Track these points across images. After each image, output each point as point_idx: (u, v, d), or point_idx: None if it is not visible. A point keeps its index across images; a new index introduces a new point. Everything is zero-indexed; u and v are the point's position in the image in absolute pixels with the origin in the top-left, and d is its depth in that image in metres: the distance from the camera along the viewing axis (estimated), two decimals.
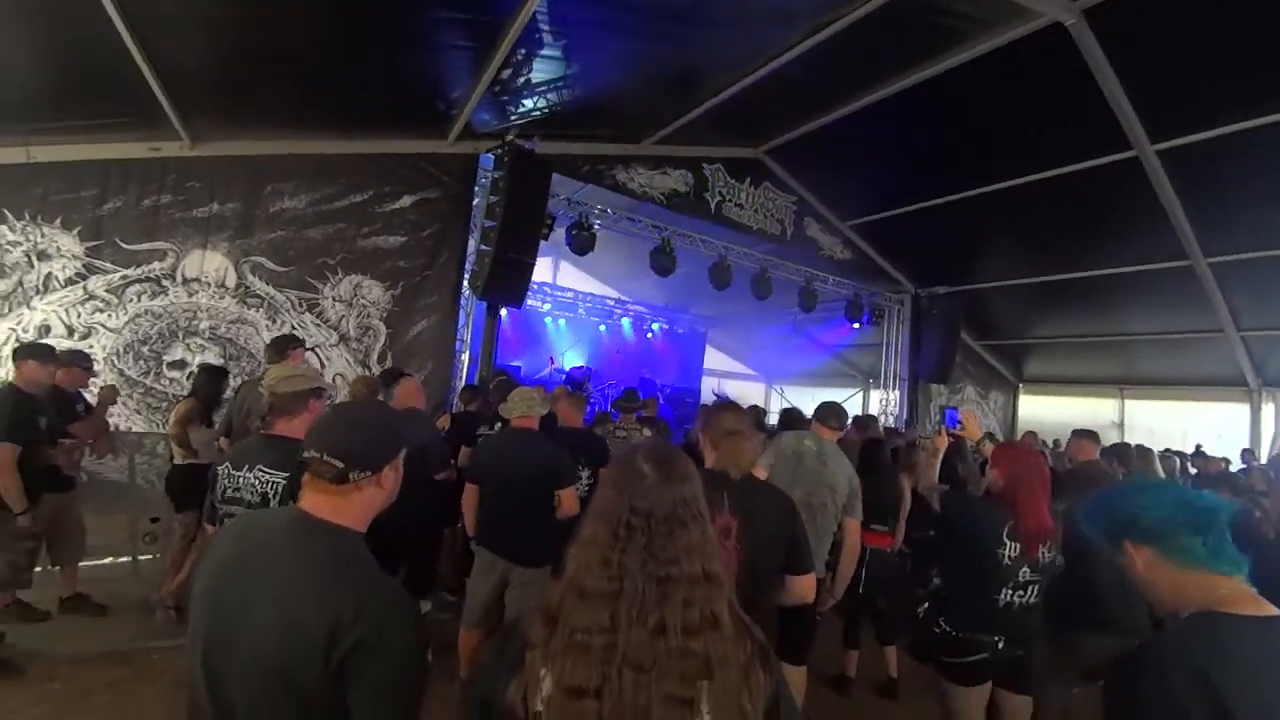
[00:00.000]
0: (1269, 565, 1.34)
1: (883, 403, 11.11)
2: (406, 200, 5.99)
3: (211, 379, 4.29)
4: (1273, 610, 1.16)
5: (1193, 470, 7.02)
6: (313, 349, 5.56)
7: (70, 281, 4.81)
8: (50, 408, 3.57)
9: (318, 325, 5.67)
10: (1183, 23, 4.73)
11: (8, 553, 3.32)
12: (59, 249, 4.78)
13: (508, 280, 5.95)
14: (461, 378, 6.49)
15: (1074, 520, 3.09)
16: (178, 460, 4.04)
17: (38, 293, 4.72)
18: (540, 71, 5.28)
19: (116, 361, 4.96)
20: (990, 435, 8.31)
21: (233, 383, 4.58)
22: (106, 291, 4.93)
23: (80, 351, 4.25)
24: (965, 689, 2.42)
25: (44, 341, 4.19)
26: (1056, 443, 9.01)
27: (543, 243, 6.34)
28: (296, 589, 1.14)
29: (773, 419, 8.26)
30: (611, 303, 12.54)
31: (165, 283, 5.11)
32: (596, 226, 7.22)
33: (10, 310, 4.65)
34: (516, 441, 3.41)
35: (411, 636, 1.15)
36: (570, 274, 11.90)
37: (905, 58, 5.75)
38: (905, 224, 8.74)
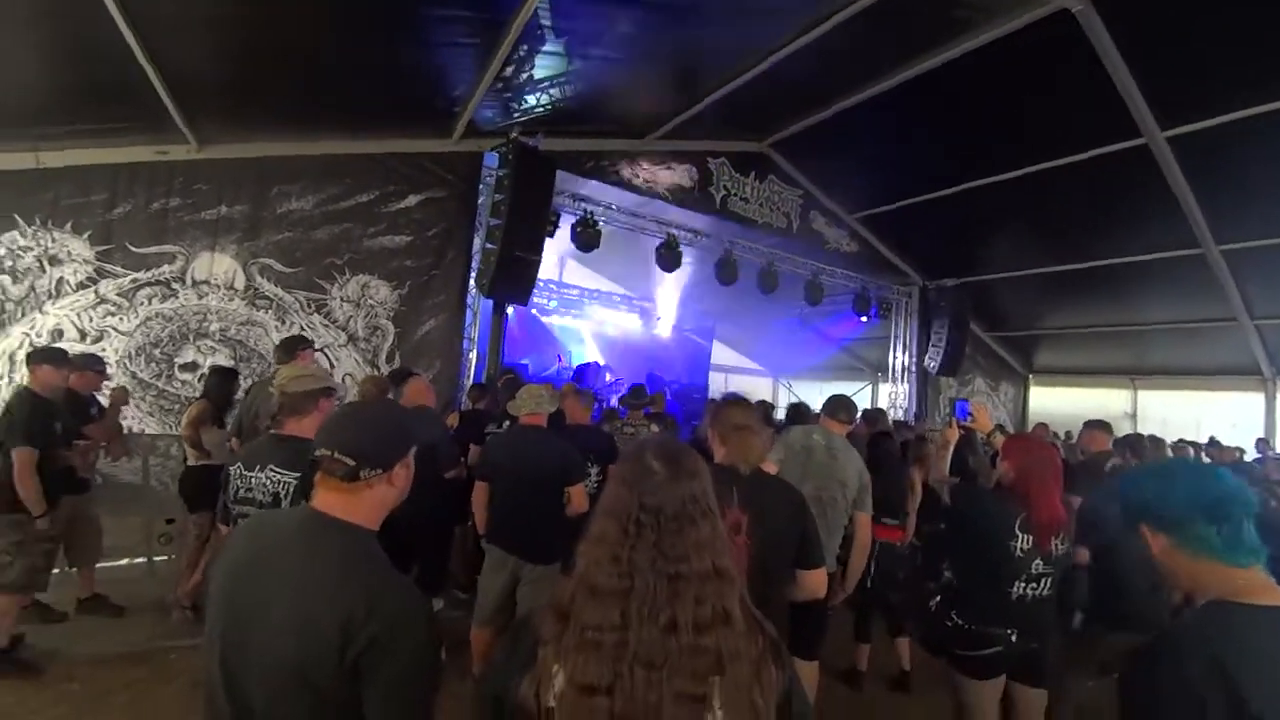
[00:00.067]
0: None
1: (891, 396, 11.07)
2: (412, 200, 6.00)
3: (223, 380, 4.32)
4: None
5: (1206, 461, 6.94)
6: (321, 349, 5.59)
7: (81, 286, 4.86)
8: (65, 411, 3.61)
9: (326, 326, 5.70)
10: (1190, 7, 4.67)
11: (26, 555, 3.35)
12: (70, 253, 4.82)
13: (514, 278, 5.96)
14: (469, 376, 6.51)
15: (1100, 515, 3.08)
16: (191, 461, 4.08)
17: (50, 297, 4.77)
18: (543, 68, 5.27)
19: (129, 364, 5.00)
20: (1001, 427, 8.27)
21: (243, 384, 4.61)
22: (117, 295, 4.97)
23: (94, 355, 4.29)
24: (979, 682, 2.42)
25: (58, 346, 4.23)
26: (1069, 434, 8.95)
27: (549, 240, 6.34)
28: (310, 587, 1.15)
29: (780, 414, 8.24)
30: (617, 299, 12.53)
31: (175, 285, 5.15)
32: (601, 223, 7.22)
33: (23, 315, 4.70)
34: (525, 439, 3.42)
35: (424, 634, 1.15)
36: (576, 271, 11.90)
37: (910, 48, 5.71)
38: (912, 215, 8.67)
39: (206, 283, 5.26)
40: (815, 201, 9.02)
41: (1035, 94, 6.02)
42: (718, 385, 13.73)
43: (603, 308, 12.29)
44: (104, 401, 4.17)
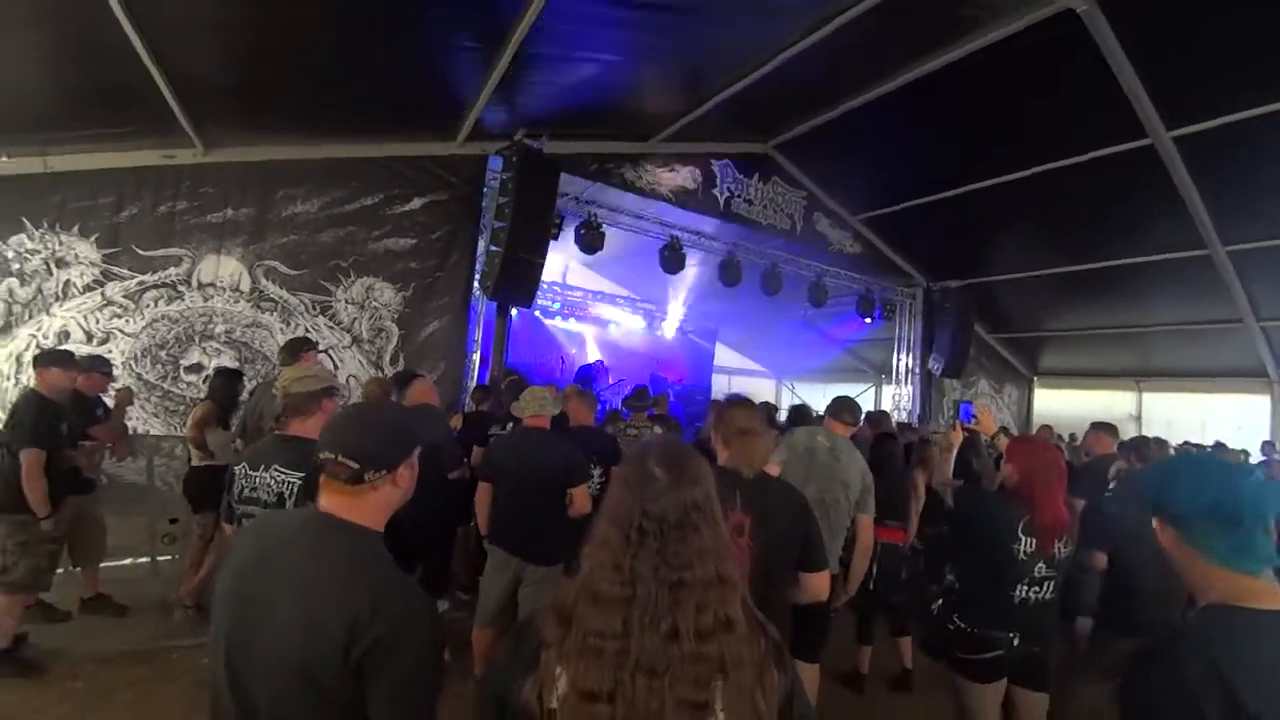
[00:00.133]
0: None
1: (895, 398, 11.03)
2: (416, 202, 6.02)
3: (227, 382, 4.35)
4: None
5: None
6: (326, 351, 5.61)
7: (88, 288, 4.89)
8: (71, 413, 3.64)
9: (331, 328, 5.72)
10: (1196, 6, 4.65)
11: (31, 555, 3.38)
12: (77, 256, 4.85)
13: (518, 280, 5.97)
14: (473, 378, 6.53)
15: (1120, 522, 3.07)
16: (195, 462, 4.11)
17: (57, 299, 4.80)
18: (547, 71, 5.28)
19: (134, 366, 5.03)
20: (1005, 429, 8.23)
21: (248, 385, 4.63)
22: (124, 297, 5.00)
23: (100, 357, 4.32)
24: (981, 686, 2.41)
25: (65, 348, 4.26)
26: (1073, 436, 8.91)
27: (552, 242, 6.35)
28: (316, 588, 1.16)
29: (783, 415, 8.23)
30: (621, 301, 12.54)
31: (181, 288, 5.18)
32: (605, 226, 7.22)
33: (30, 317, 4.73)
34: (529, 440, 3.43)
35: (429, 635, 1.16)
36: (580, 273, 11.91)
37: (914, 49, 5.69)
38: (916, 217, 8.64)
39: (212, 285, 5.28)
40: (819, 203, 9.01)
41: (1040, 94, 6.00)
42: (720, 387, 13.72)
43: (606, 310, 12.28)
44: (109, 403, 4.20)
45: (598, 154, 6.95)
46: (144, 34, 3.80)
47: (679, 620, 0.97)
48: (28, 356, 4.58)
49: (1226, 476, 1.22)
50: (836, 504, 3.06)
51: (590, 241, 7.12)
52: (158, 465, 4.91)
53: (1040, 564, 2.34)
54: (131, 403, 4.37)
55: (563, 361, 11.36)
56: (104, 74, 4.24)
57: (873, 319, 10.16)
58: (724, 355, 14.83)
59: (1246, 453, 7.39)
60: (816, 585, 2.07)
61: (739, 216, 8.12)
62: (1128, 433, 8.78)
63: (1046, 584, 2.37)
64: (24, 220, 4.69)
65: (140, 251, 5.03)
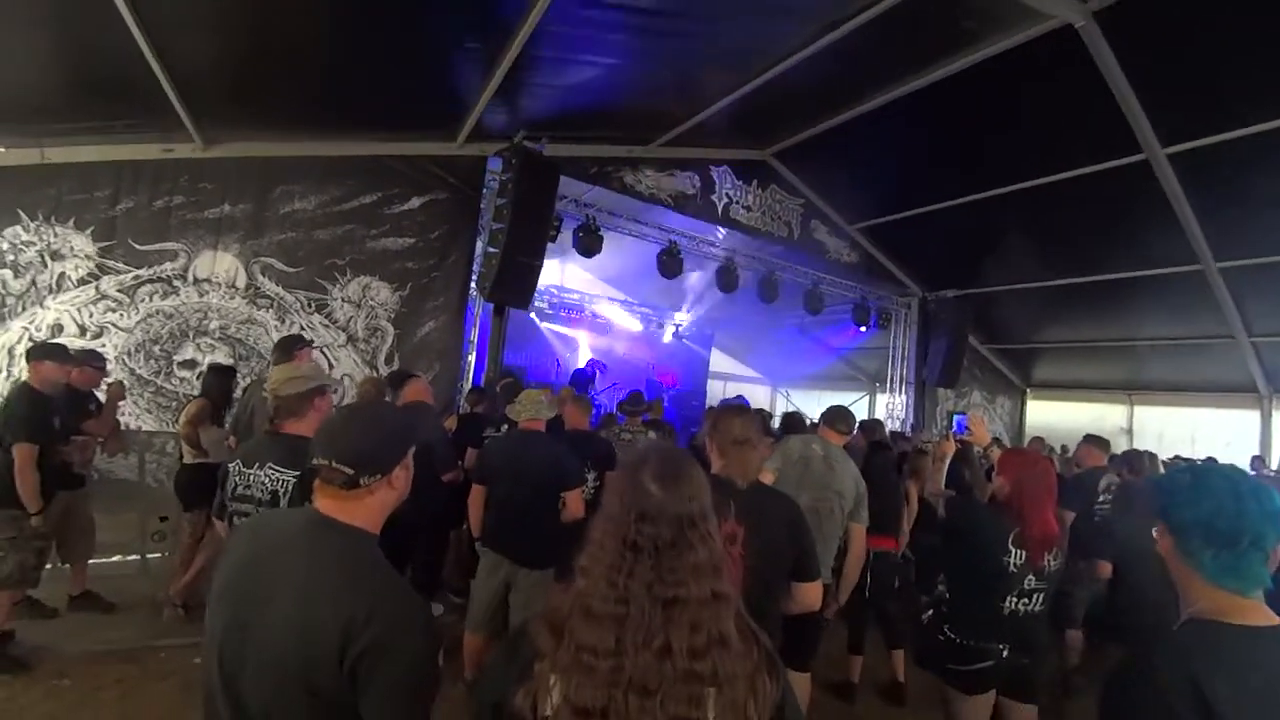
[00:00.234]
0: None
1: (889, 407, 11.07)
2: (415, 202, 6.02)
3: (221, 378, 4.33)
4: (1270, 619, 1.15)
5: None
6: (321, 349, 5.60)
7: (83, 281, 4.87)
8: (64, 407, 3.61)
9: (326, 326, 5.71)
10: (1193, 26, 4.70)
11: (19, 551, 3.35)
12: (72, 249, 4.83)
13: (515, 282, 5.97)
14: (468, 379, 6.52)
15: (1130, 533, 3.10)
16: (187, 459, 4.08)
17: (51, 292, 4.78)
18: (548, 74, 5.30)
19: (128, 360, 5.00)
20: (998, 440, 8.27)
21: (242, 382, 4.62)
22: (118, 291, 4.98)
23: (94, 351, 4.29)
24: (969, 697, 2.42)
25: (58, 341, 4.23)
26: (1065, 448, 8.95)
27: (550, 245, 6.35)
28: (311, 590, 1.15)
29: (776, 423, 8.24)
30: (618, 305, 12.53)
31: (176, 283, 5.16)
32: (603, 229, 7.23)
33: (24, 309, 4.71)
34: (524, 443, 3.42)
35: (423, 639, 1.16)
36: (577, 276, 11.90)
37: (914, 60, 5.73)
38: (913, 227, 8.70)
39: (208, 281, 5.27)
40: (817, 211, 9.05)
41: (1037, 108, 6.05)
42: (716, 392, 13.73)
43: (602, 313, 12.28)
44: (102, 397, 4.17)
45: (597, 157, 6.97)
46: (146, 28, 3.80)
47: (672, 638, 0.97)
48: (20, 349, 4.56)
49: (1233, 494, 1.18)
50: (830, 513, 3.07)
51: (588, 245, 7.13)
52: (149, 462, 4.88)
53: (1030, 576, 2.35)
54: (124, 397, 4.34)
55: (558, 364, 11.35)
56: (104, 67, 4.24)
57: (868, 327, 10.21)
58: (719, 360, 14.84)
59: (1235, 467, 7.42)
60: (809, 595, 2.07)
61: (737, 223, 8.15)
62: (1119, 445, 8.85)
63: (1036, 596, 2.38)
64: (19, 212, 4.67)
65: (136, 245, 5.01)
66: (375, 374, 5.61)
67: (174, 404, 5.07)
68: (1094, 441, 4.68)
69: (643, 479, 1.08)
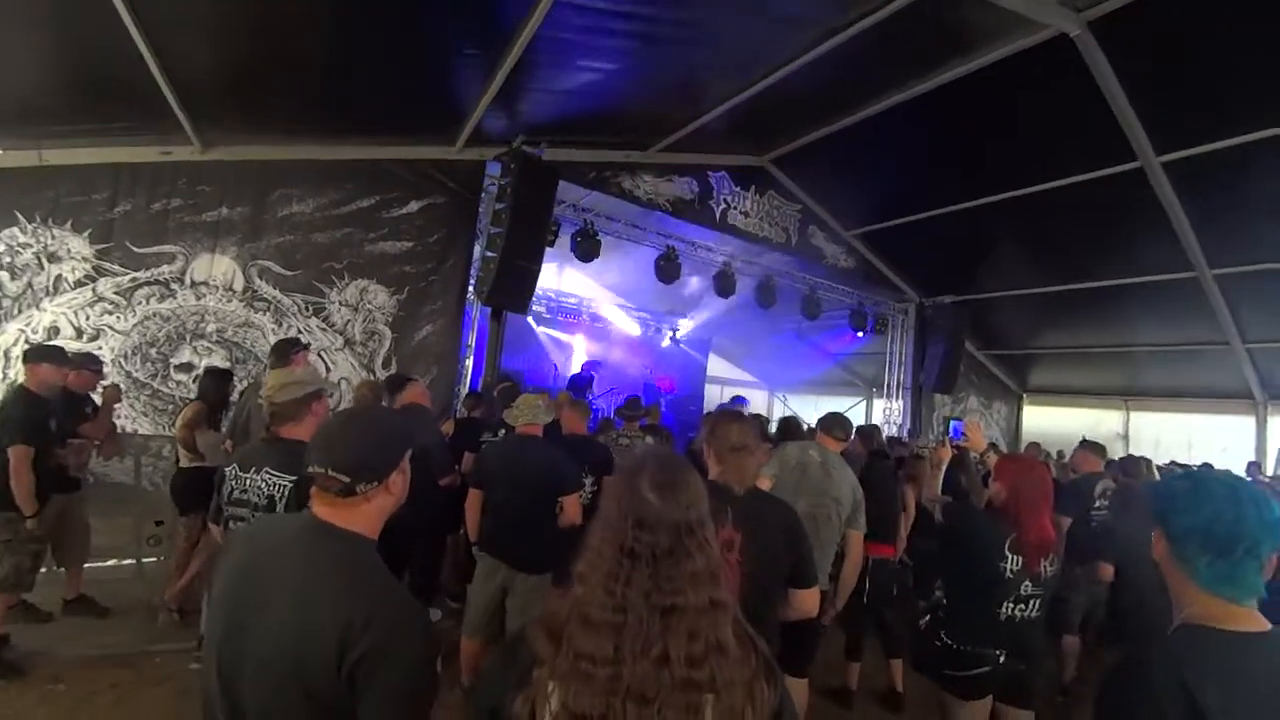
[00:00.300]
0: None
1: (886, 412, 11.10)
2: (413, 206, 6.03)
3: (217, 382, 4.31)
4: (1260, 625, 1.16)
5: None
6: (318, 353, 5.59)
7: (80, 284, 4.86)
8: (60, 409, 3.60)
9: (323, 329, 5.70)
10: (1187, 35, 4.74)
11: (14, 554, 3.34)
12: (69, 251, 4.82)
13: (513, 286, 5.98)
14: (465, 383, 6.51)
15: (1131, 535, 3.11)
16: (183, 463, 4.06)
17: (47, 294, 4.77)
18: (548, 79, 5.31)
19: (124, 363, 4.99)
20: (994, 446, 8.27)
21: (238, 385, 4.61)
22: (115, 294, 4.97)
23: (91, 354, 4.28)
24: (967, 703, 2.42)
25: (55, 344, 4.22)
26: (1061, 454, 8.97)
27: (548, 249, 6.36)
28: (310, 595, 1.15)
29: (773, 427, 8.25)
30: (615, 310, 12.54)
31: (174, 286, 5.16)
32: (601, 234, 7.25)
33: (20, 311, 4.70)
34: (521, 448, 3.42)
35: (421, 645, 1.16)
36: (575, 280, 11.92)
37: (910, 68, 5.77)
38: (910, 233, 8.74)
39: (205, 284, 5.26)
40: (814, 217, 9.08)
41: (1033, 116, 6.10)
42: (713, 397, 13.74)
43: (600, 318, 12.29)
44: (98, 400, 4.16)
45: (596, 162, 6.99)
46: (145, 31, 3.81)
47: (670, 646, 0.97)
48: (17, 351, 4.54)
49: (1233, 501, 1.18)
50: (828, 519, 3.07)
51: (586, 249, 7.15)
52: (145, 465, 4.87)
53: (1026, 582, 2.36)
54: (119, 400, 4.32)
55: (555, 369, 11.35)
56: (104, 69, 4.24)
57: (865, 333, 10.25)
58: (717, 365, 14.86)
59: (1233, 474, 7.45)
60: (807, 602, 2.07)
61: (734, 228, 8.17)
62: (1115, 451, 8.87)
63: (1032, 602, 2.38)
64: (17, 214, 4.66)
65: (133, 248, 5.01)
66: (372, 377, 5.60)
67: (170, 407, 5.05)
68: (1089, 448, 4.70)
69: (640, 486, 1.07)
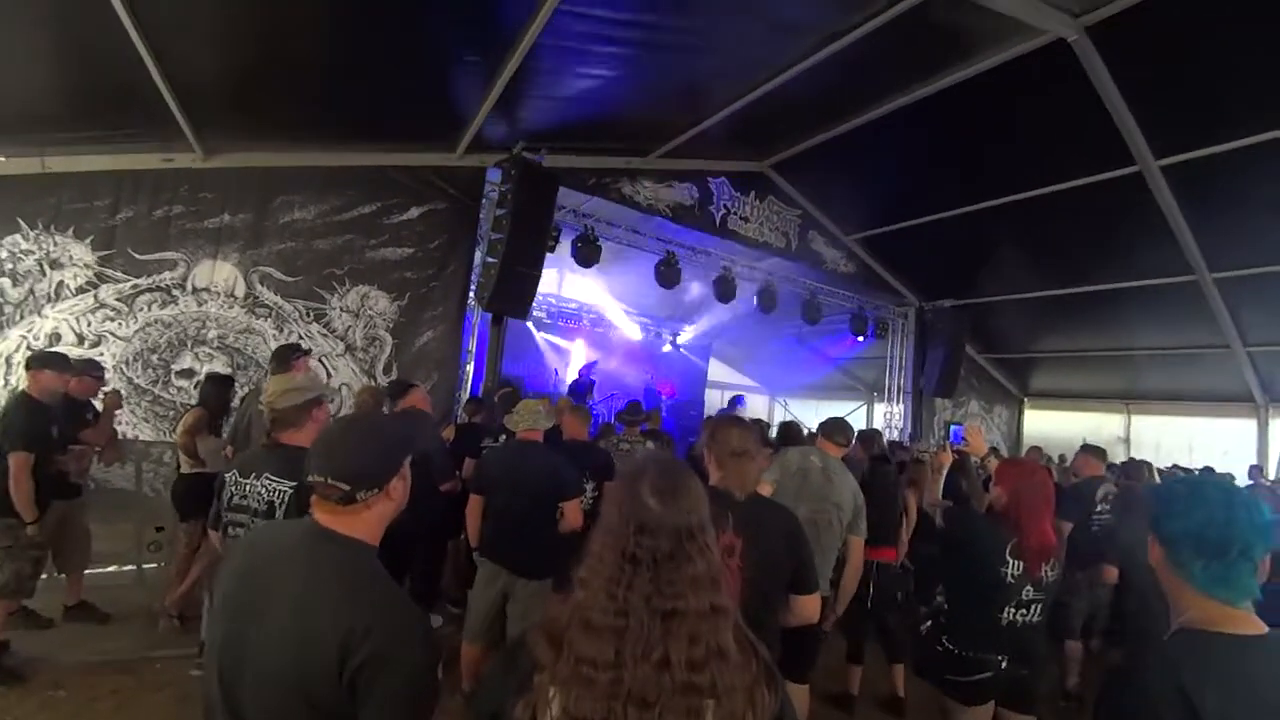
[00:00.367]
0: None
1: (887, 416, 11.09)
2: (414, 212, 6.04)
3: (218, 388, 4.32)
4: (1258, 628, 1.17)
5: None
6: (319, 359, 5.60)
7: (81, 290, 4.87)
8: (61, 416, 3.61)
9: (324, 335, 5.71)
10: (1185, 39, 4.76)
11: (15, 560, 3.34)
12: (71, 258, 4.84)
13: (513, 292, 5.99)
14: (466, 389, 6.52)
15: (1134, 537, 3.11)
16: (184, 469, 4.07)
17: (49, 301, 4.78)
18: (548, 86, 5.34)
19: (125, 370, 5.00)
20: (995, 450, 8.27)
21: (239, 391, 4.61)
22: (117, 300, 4.98)
23: (93, 361, 4.30)
24: (968, 708, 2.41)
25: (58, 350, 4.23)
26: (1062, 458, 8.96)
27: (548, 255, 6.38)
28: (311, 602, 1.16)
29: (774, 432, 8.24)
30: (616, 315, 12.55)
31: (175, 292, 5.17)
32: (602, 239, 7.27)
33: (22, 318, 4.71)
34: (522, 454, 3.42)
35: (422, 652, 1.16)
36: (575, 286, 11.93)
37: (910, 73, 5.79)
38: (909, 238, 8.75)
39: (206, 290, 5.27)
40: (814, 222, 9.09)
41: (1032, 121, 6.12)
42: (714, 402, 13.73)
43: (600, 323, 12.30)
44: (99, 406, 4.17)
45: (596, 168, 7.00)
46: (147, 38, 3.83)
47: (671, 650, 0.97)
48: (18, 357, 4.56)
49: (1225, 504, 1.20)
50: (829, 525, 3.07)
51: (586, 255, 7.16)
52: (146, 471, 4.87)
53: (1028, 587, 2.36)
54: (120, 406, 4.33)
55: (556, 374, 11.35)
56: (106, 76, 4.26)
57: (865, 337, 10.25)
58: (718, 370, 14.86)
59: (1232, 476, 7.44)
60: (808, 608, 2.07)
61: (734, 233, 8.18)
62: (1117, 454, 8.87)
63: (1034, 606, 2.38)
64: (19, 220, 4.68)
65: (135, 255, 5.02)
66: (373, 383, 5.61)
67: (171, 413, 5.06)
68: (1090, 451, 4.70)
69: (641, 491, 1.08)
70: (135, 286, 5.04)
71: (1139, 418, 11.00)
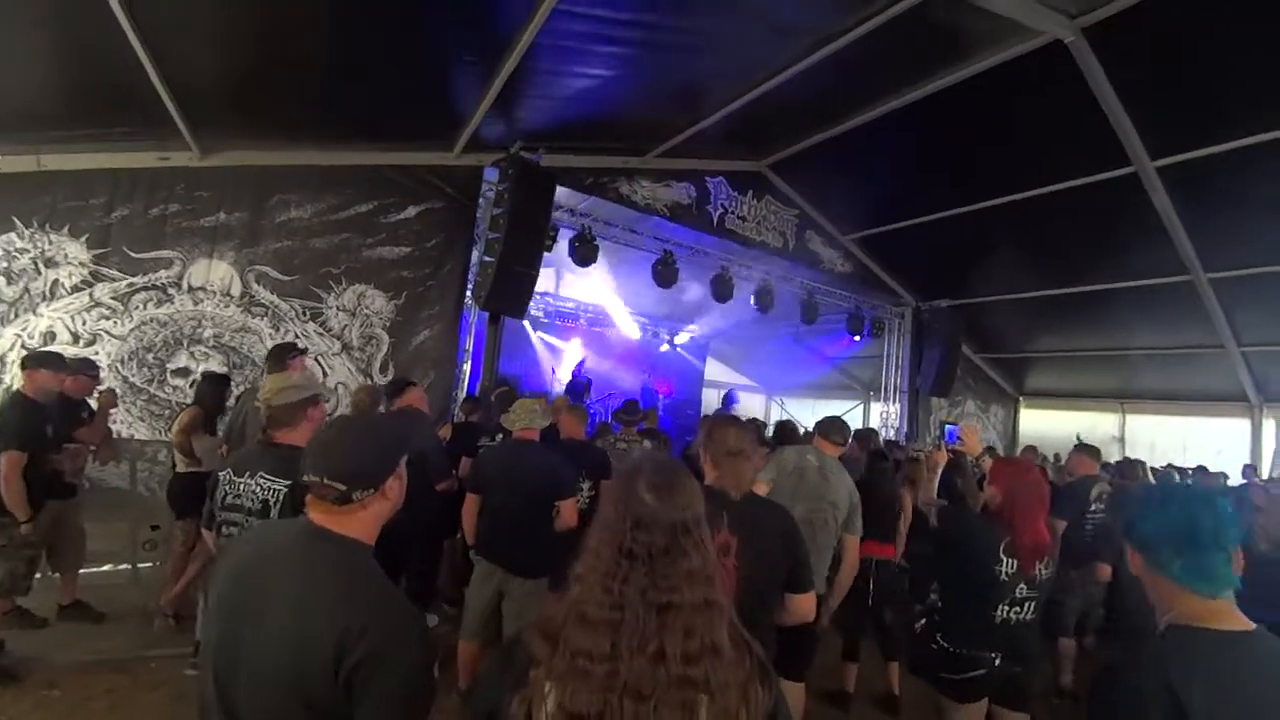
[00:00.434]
0: (1259, 579, 1.40)
1: (883, 415, 11.11)
2: (411, 211, 6.04)
3: (214, 387, 4.32)
4: (1244, 624, 1.20)
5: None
6: (315, 358, 5.59)
7: (76, 289, 4.85)
8: (56, 415, 3.60)
9: (321, 334, 5.70)
10: (1181, 41, 4.78)
11: (9, 559, 3.34)
12: (66, 256, 4.82)
13: (510, 291, 5.98)
14: (463, 388, 6.51)
15: (1114, 532, 3.12)
16: (180, 468, 4.07)
17: (44, 299, 4.76)
18: (546, 85, 5.33)
19: (121, 368, 4.98)
20: (991, 449, 8.30)
21: (235, 390, 4.60)
22: (112, 299, 4.97)
23: (88, 360, 4.29)
24: (963, 705, 2.43)
25: (53, 350, 4.22)
26: (1057, 457, 9.00)
27: (545, 254, 6.37)
28: (307, 601, 1.16)
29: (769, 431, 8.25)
30: (613, 314, 12.55)
31: (171, 291, 5.15)
32: (599, 239, 7.27)
33: (16, 316, 4.69)
34: (518, 453, 3.43)
35: (418, 651, 1.16)
36: (572, 285, 11.93)
37: (907, 74, 5.81)
38: (906, 238, 8.78)
39: (202, 289, 5.26)
40: (811, 221, 9.11)
41: (1028, 121, 6.13)
42: (711, 401, 13.75)
43: (598, 322, 12.30)
44: (94, 405, 4.16)
45: (593, 168, 7.00)
46: (144, 36, 3.81)
47: (666, 643, 0.99)
48: (13, 356, 4.54)
49: (1190, 504, 1.29)
50: (825, 524, 3.08)
51: (583, 254, 7.15)
52: (141, 470, 4.86)
53: (1021, 585, 2.37)
54: (115, 405, 4.32)
55: (553, 373, 11.35)
56: (102, 75, 4.25)
57: (862, 337, 10.27)
58: (714, 369, 14.88)
59: (1226, 475, 7.49)
60: (803, 607, 2.08)
61: (732, 233, 8.19)
62: (1112, 454, 8.91)
63: (1028, 604, 2.40)
64: (14, 219, 4.66)
65: (131, 253, 5.00)
66: (370, 382, 5.61)
67: (167, 412, 5.04)
68: (1084, 450, 4.72)
69: (637, 487, 1.10)
70: (131, 285, 5.02)
71: (1134, 417, 11.04)
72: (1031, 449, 8.41)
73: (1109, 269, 8.00)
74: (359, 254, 5.82)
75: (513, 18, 4.28)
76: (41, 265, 4.74)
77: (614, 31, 4.69)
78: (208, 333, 5.29)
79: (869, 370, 12.42)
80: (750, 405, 15.14)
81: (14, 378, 4.26)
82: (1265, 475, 8.68)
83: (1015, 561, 2.35)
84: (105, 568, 4.58)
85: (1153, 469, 6.29)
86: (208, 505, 2.29)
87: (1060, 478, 5.77)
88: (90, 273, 4.88)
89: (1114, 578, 4.05)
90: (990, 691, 2.43)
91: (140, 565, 4.67)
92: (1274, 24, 4.36)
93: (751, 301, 8.92)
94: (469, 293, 6.33)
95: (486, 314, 6.42)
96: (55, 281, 4.80)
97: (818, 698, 3.70)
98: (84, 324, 4.89)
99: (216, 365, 5.20)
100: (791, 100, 6.02)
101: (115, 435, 4.53)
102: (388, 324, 5.98)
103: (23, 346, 4.60)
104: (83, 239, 4.85)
